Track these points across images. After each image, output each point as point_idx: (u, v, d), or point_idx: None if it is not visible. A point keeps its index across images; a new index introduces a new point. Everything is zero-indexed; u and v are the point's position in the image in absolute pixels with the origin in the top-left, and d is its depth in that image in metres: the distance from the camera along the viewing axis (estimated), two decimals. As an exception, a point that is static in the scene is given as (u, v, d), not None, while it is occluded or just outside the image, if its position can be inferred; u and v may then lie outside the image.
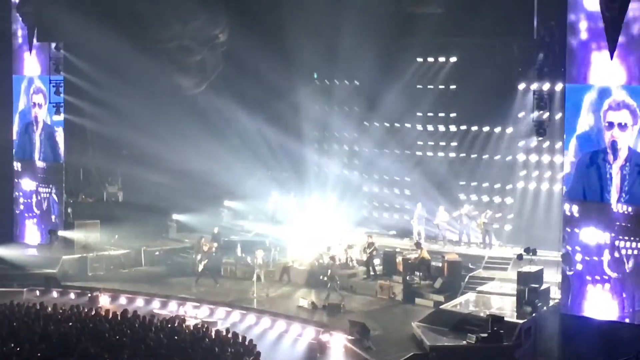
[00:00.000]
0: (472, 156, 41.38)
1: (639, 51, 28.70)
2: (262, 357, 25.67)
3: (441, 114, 42.25)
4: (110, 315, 29.29)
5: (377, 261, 38.24)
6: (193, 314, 33.55)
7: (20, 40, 44.02)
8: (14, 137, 45.07)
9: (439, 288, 34.90)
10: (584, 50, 29.60)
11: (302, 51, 40.51)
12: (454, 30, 35.93)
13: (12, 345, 24.67)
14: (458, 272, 35.68)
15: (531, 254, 31.23)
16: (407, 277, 35.68)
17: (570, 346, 29.06)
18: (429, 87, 42.15)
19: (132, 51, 39.15)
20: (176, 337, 26.64)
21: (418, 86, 42.27)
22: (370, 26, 36.66)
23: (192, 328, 28.66)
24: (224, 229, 43.02)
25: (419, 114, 42.75)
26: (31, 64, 44.03)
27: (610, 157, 29.42)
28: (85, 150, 45.83)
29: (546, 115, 33.18)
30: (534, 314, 29.72)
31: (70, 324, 27.74)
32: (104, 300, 35.64)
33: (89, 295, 36.26)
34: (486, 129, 40.75)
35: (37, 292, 36.85)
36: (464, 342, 28.53)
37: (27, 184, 44.77)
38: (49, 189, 43.97)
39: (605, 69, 29.10)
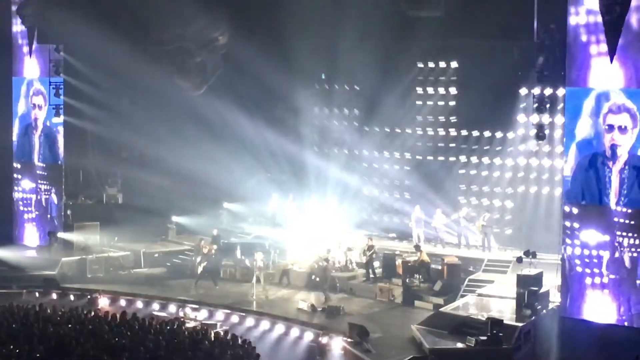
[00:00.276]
0: (473, 160, 41.36)
1: (639, 55, 28.72)
2: (261, 359, 25.66)
3: (441, 118, 42.25)
4: (110, 317, 29.26)
5: (376, 264, 38.22)
6: (192, 316, 33.50)
7: (20, 42, 44.02)
8: (14, 139, 45.06)
9: (439, 291, 34.94)
10: (584, 53, 29.67)
11: (302, 54, 40.51)
12: (454, 33, 35.99)
13: (11, 346, 24.65)
14: (457, 274, 35.73)
15: (531, 257, 31.22)
16: (407, 280, 35.70)
17: (570, 349, 29.04)
18: (429, 90, 42.18)
19: (132, 53, 39.18)
20: (175, 339, 26.63)
21: (418, 90, 42.28)
22: (371, 29, 36.73)
23: (191, 330, 28.66)
24: (224, 231, 42.98)
25: (419, 117, 42.78)
26: (31, 66, 44.06)
27: (610, 160, 29.45)
28: (85, 152, 45.80)
29: (546, 118, 33.20)
30: (533, 317, 29.71)
31: (70, 325, 27.72)
32: (103, 302, 35.64)
33: (88, 297, 36.27)
34: (487, 133, 40.72)
35: (37, 294, 36.85)
36: (464, 344, 28.53)
37: (26, 185, 44.78)
38: (49, 191, 43.99)
39: (605, 72, 29.14)
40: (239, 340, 26.92)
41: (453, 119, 42.04)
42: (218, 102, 42.60)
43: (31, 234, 44.62)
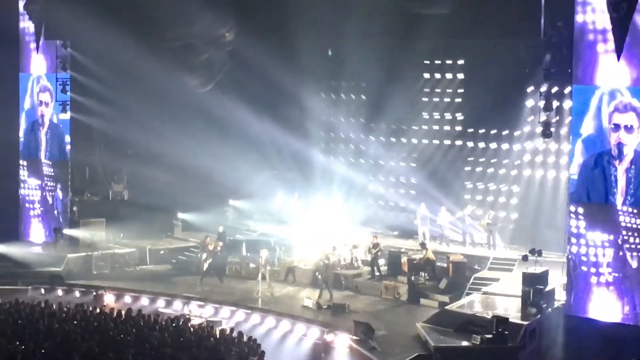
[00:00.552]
0: (479, 158, 41.36)
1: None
2: (266, 356, 25.68)
3: (448, 116, 42.26)
4: (115, 314, 29.27)
5: (382, 261, 38.22)
6: (198, 313, 33.48)
7: (27, 38, 44.04)
8: (20, 135, 45.09)
9: (444, 289, 34.92)
10: (591, 51, 29.57)
11: (308, 51, 40.54)
12: (460, 31, 35.99)
13: (17, 343, 24.68)
14: (463, 272, 35.72)
15: (536, 255, 31.17)
16: (412, 278, 35.69)
17: (575, 348, 29.03)
18: (435, 88, 42.19)
19: (139, 50, 39.23)
20: (181, 336, 26.62)
21: (425, 88, 42.30)
22: (377, 27, 36.74)
23: (196, 327, 28.63)
24: (229, 228, 42.99)
25: (425, 115, 42.79)
26: (38, 62, 44.06)
27: (616, 159, 29.39)
28: (91, 149, 45.92)
29: (553, 116, 33.15)
30: (538, 315, 29.65)
31: (75, 322, 27.74)
32: (109, 299, 35.58)
33: (94, 293, 36.22)
34: (493, 131, 40.71)
35: (42, 290, 36.81)
36: (469, 343, 28.50)
37: (32, 182, 44.79)
38: (55, 187, 43.99)
39: (612, 71, 29.07)
40: (244, 337, 26.93)
41: (459, 116, 42.06)
42: (224, 99, 42.63)
43: (37, 231, 44.63)
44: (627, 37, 27.72)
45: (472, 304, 32.38)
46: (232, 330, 28.16)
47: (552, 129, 33.27)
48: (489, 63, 38.59)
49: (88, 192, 46.72)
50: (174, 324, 28.22)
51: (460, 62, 41.36)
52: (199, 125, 43.65)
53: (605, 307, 29.73)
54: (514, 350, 27.90)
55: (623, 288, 29.44)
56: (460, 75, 41.69)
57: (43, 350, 24.32)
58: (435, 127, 42.73)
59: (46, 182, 44.38)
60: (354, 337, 29.50)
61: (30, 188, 44.90)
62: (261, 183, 46.12)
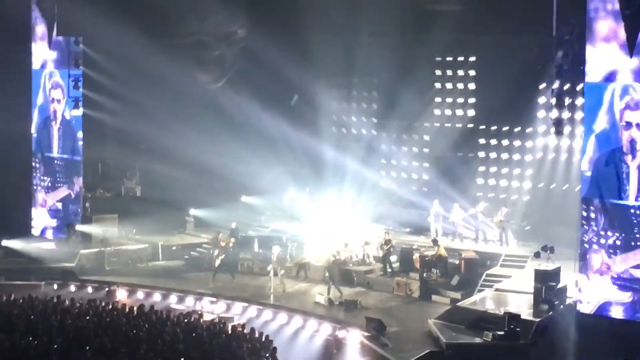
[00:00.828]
0: (491, 155, 41.34)
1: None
2: (278, 352, 25.63)
3: (459, 113, 42.25)
4: (127, 310, 29.32)
5: (393, 258, 38.19)
6: (210, 309, 33.55)
7: (39, 34, 44.11)
8: (33, 131, 45.18)
9: (456, 285, 34.90)
10: (603, 47, 29.48)
11: (320, 48, 40.55)
12: (472, 28, 35.98)
13: (30, 338, 24.76)
14: (475, 269, 35.66)
15: (548, 251, 31.11)
16: (424, 274, 35.62)
17: (587, 344, 28.93)
18: (447, 85, 42.18)
19: (151, 46, 39.32)
20: (193, 332, 26.66)
21: (437, 84, 42.28)
22: (389, 23, 36.78)
23: (208, 323, 28.68)
24: (241, 225, 43.00)
25: (437, 111, 42.78)
26: (50, 58, 44.13)
27: (628, 156, 29.33)
28: (103, 145, 46.03)
29: (565, 113, 33.09)
30: (550, 312, 29.61)
31: (88, 318, 27.79)
32: (121, 295, 35.71)
33: (107, 289, 36.33)
34: (505, 128, 40.70)
35: (55, 286, 36.93)
36: (481, 339, 28.47)
37: (45, 178, 44.88)
38: (68, 183, 44.06)
39: (624, 67, 29.00)
40: (256, 334, 26.97)
41: (471, 113, 42.03)
42: (236, 95, 42.70)
43: (50, 227, 44.68)
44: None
45: (484, 300, 32.32)
46: (244, 326, 28.21)
47: (565, 126, 33.22)
48: (501, 60, 38.54)
49: (100, 188, 46.82)
50: (186, 320, 28.28)
51: (472, 58, 41.34)
52: (211, 122, 43.66)
53: (617, 303, 29.69)
54: (526, 347, 27.90)
55: (635, 284, 29.39)
56: (472, 72, 41.66)
57: (56, 346, 24.37)
58: (447, 124, 42.69)
59: (59, 178, 44.45)
60: (366, 334, 29.47)
61: (42, 184, 44.99)
62: (273, 179, 46.13)
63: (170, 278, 38.65)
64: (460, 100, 42.19)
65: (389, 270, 37.66)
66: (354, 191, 43.54)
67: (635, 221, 29.32)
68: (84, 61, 42.58)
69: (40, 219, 44.79)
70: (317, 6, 38.36)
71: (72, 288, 36.97)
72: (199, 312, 31.10)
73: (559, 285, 30.63)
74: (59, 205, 44.29)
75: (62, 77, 43.42)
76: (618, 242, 29.64)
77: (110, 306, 30.07)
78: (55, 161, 44.53)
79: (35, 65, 44.66)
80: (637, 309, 29.47)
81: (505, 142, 40.79)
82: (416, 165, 43.95)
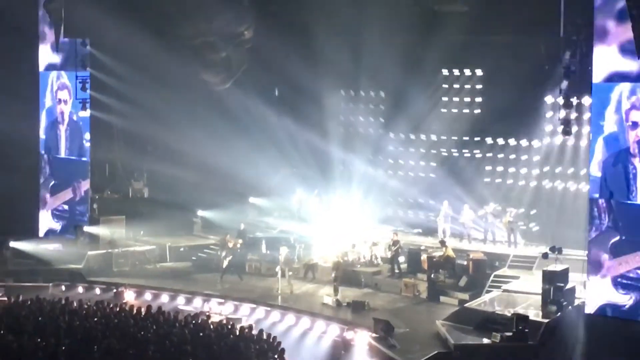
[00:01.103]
0: (499, 155, 41.28)
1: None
2: (286, 354, 25.65)
3: (466, 112, 42.18)
4: (135, 311, 29.35)
5: (401, 259, 38.17)
6: (218, 311, 33.56)
7: (46, 36, 44.16)
8: (41, 132, 45.23)
9: (464, 286, 34.89)
10: (611, 48, 29.42)
11: (327, 49, 40.52)
12: (479, 28, 35.90)
13: (38, 339, 24.77)
14: (483, 270, 35.62)
15: (557, 252, 31.07)
16: (432, 275, 35.59)
17: (595, 345, 28.92)
18: (455, 85, 42.13)
19: (158, 47, 39.32)
20: (201, 334, 26.67)
21: (444, 85, 42.26)
22: (396, 25, 36.72)
23: (216, 324, 28.68)
24: (249, 226, 43.03)
25: (444, 111, 42.71)
26: (57, 60, 44.17)
27: (636, 157, 29.26)
28: (110, 146, 46.00)
29: (573, 114, 33.04)
30: (559, 313, 29.58)
31: (95, 319, 27.81)
32: (129, 296, 35.76)
33: (114, 290, 36.40)
34: (512, 127, 40.57)
35: (63, 288, 37.04)
36: (489, 340, 28.43)
37: (53, 180, 44.92)
38: (75, 185, 44.08)
39: (631, 68, 28.93)
40: (264, 335, 26.96)
41: (478, 113, 41.95)
42: (244, 96, 42.68)
43: (57, 228, 44.73)
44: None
45: (492, 301, 32.30)
46: (252, 327, 28.16)
47: (572, 127, 33.18)
48: (508, 60, 38.45)
49: (108, 189, 46.89)
50: (194, 321, 28.28)
51: (479, 59, 41.22)
52: (218, 123, 43.64)
53: (626, 305, 29.63)
54: (534, 348, 27.87)
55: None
56: (479, 72, 41.59)
57: (64, 347, 24.39)
58: (455, 124, 42.61)
59: (66, 179, 44.47)
60: (374, 335, 29.46)
61: (50, 186, 45.02)
62: (280, 180, 46.20)
63: (177, 279, 38.69)
64: (468, 99, 42.12)
65: (397, 271, 37.66)
66: (361, 192, 43.51)
67: (643, 222, 29.30)
68: (91, 63, 42.58)
69: (48, 220, 44.82)
70: (324, 7, 38.33)
71: (80, 289, 37.09)
72: (207, 314, 31.11)
73: (567, 286, 30.61)
74: (66, 207, 44.32)
75: (70, 78, 43.51)
76: (624, 243, 29.55)
77: (118, 307, 30.08)
78: (63, 162, 44.52)
79: (43, 67, 44.72)
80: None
81: (512, 142, 40.69)
82: (423, 165, 43.90)
